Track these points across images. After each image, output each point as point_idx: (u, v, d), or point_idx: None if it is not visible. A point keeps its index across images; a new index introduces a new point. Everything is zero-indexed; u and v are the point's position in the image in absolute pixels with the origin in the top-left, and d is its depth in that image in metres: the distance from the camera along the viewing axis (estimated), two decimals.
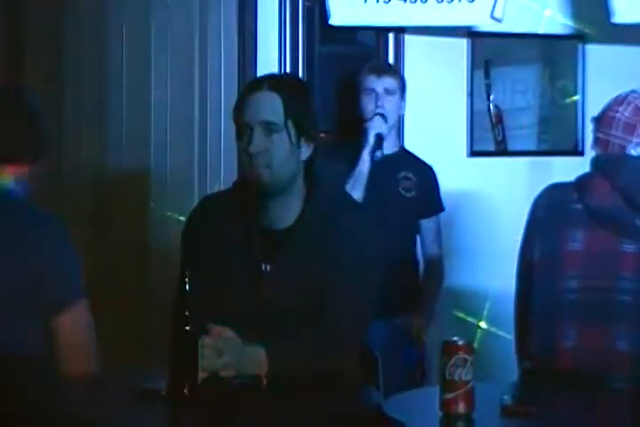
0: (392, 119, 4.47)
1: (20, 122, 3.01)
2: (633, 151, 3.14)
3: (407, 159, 4.59)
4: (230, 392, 2.68)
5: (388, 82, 4.48)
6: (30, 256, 2.86)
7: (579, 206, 3.12)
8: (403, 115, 4.61)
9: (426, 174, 4.55)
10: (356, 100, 4.52)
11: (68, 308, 2.88)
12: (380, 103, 4.43)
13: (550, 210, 3.19)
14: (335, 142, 4.69)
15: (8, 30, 4.48)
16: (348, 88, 4.61)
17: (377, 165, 4.39)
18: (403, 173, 4.49)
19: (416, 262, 4.55)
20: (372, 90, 4.46)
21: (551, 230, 3.15)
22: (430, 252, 4.55)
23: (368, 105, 4.46)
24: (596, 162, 3.20)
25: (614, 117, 3.17)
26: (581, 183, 3.17)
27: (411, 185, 4.48)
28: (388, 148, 4.50)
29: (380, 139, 4.39)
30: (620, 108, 3.17)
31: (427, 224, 4.54)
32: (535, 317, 3.13)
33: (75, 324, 2.89)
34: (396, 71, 4.63)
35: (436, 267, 4.56)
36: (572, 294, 3.06)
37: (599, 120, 3.23)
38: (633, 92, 3.23)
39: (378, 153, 4.38)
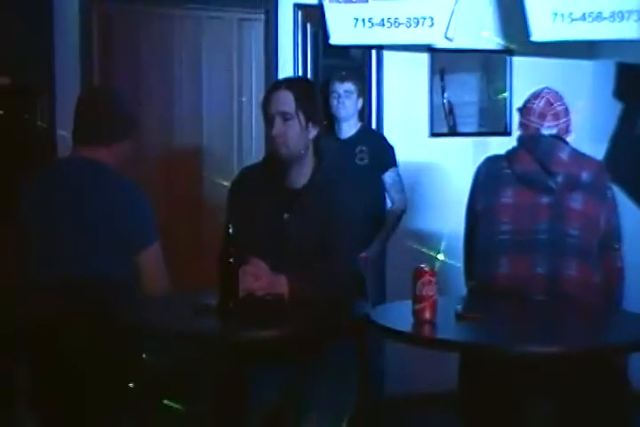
0: (350, 111, 4.43)
1: (114, 115, 2.95)
2: (544, 131, 3.09)
3: (365, 136, 4.50)
4: (262, 306, 2.65)
5: (347, 86, 4.43)
6: (120, 211, 2.84)
7: (508, 171, 3.07)
8: (360, 108, 4.52)
9: (378, 142, 4.48)
10: (326, 101, 4.44)
11: (147, 247, 2.86)
12: (341, 100, 4.40)
13: (488, 175, 3.15)
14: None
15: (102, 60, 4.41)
16: None
17: (343, 145, 4.38)
18: (359, 148, 4.42)
19: (381, 213, 4.45)
20: (336, 92, 4.42)
21: (489, 189, 3.10)
22: (393, 196, 4.46)
23: (333, 102, 4.43)
24: (520, 140, 3.15)
25: (531, 108, 3.13)
26: (510, 155, 3.13)
27: (364, 155, 4.41)
28: (350, 130, 4.46)
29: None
30: (536, 101, 3.13)
31: (386, 178, 4.44)
32: (479, 252, 3.09)
33: (152, 259, 2.87)
34: (354, 77, 4.53)
35: (397, 209, 4.46)
36: (505, 234, 3.02)
37: (521, 110, 3.19)
38: (545, 88, 3.18)
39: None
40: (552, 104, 3.09)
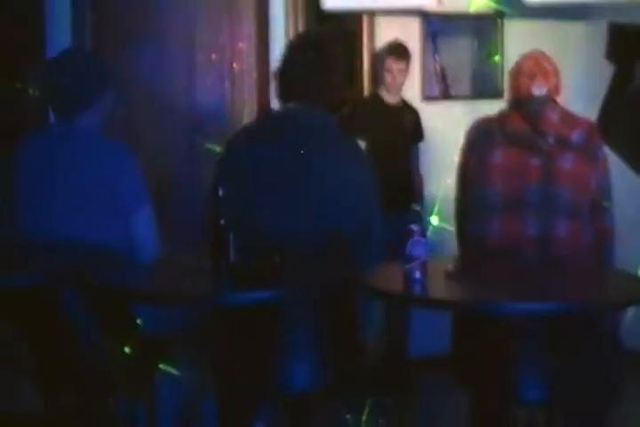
0: (400, 86, 4.60)
1: (83, 75, 2.91)
2: (535, 91, 3.07)
3: (405, 107, 4.67)
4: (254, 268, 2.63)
5: (403, 64, 4.55)
6: (109, 175, 2.82)
7: (499, 132, 3.06)
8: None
9: (415, 115, 4.67)
10: (377, 70, 4.63)
11: (138, 211, 2.85)
12: (394, 77, 4.53)
13: (478, 136, 3.15)
14: None
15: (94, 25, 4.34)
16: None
17: (390, 111, 4.59)
18: (406, 115, 4.62)
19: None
20: (390, 69, 4.53)
21: (480, 150, 3.10)
22: (414, 166, 4.69)
23: (387, 78, 4.55)
24: (511, 101, 3.15)
25: (521, 69, 3.14)
26: (501, 116, 3.12)
27: (408, 123, 4.62)
28: (394, 99, 4.63)
29: None
30: (525, 62, 3.13)
31: (414, 148, 4.70)
32: (470, 212, 3.09)
33: (143, 222, 2.86)
34: (407, 54, 4.61)
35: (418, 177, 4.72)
36: (495, 196, 3.01)
37: (512, 72, 3.19)
38: (533, 50, 3.20)
39: None
40: (541, 64, 3.10)
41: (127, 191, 2.83)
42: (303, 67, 2.87)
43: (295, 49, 2.96)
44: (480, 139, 3.12)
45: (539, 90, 3.07)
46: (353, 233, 2.81)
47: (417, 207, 4.61)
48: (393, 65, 4.53)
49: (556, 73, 3.12)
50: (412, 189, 4.64)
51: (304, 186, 2.80)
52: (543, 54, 3.15)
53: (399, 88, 4.61)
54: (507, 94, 3.29)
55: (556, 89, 3.12)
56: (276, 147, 2.84)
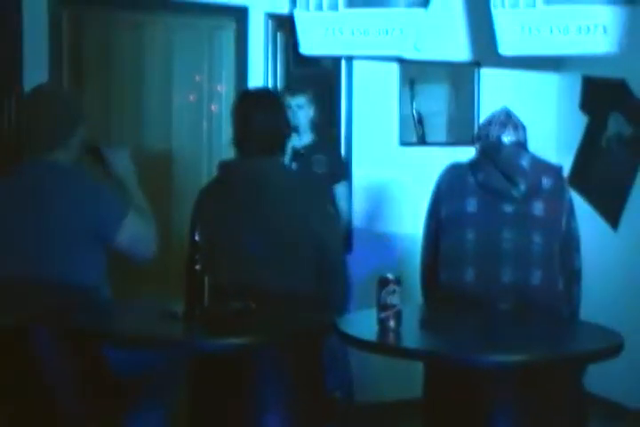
0: (303, 124, 4.45)
1: (62, 114, 2.92)
2: (505, 138, 3.11)
3: (320, 146, 4.54)
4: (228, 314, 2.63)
5: (298, 99, 4.43)
6: (87, 209, 2.83)
7: (472, 180, 3.09)
8: (312, 118, 4.52)
9: (333, 154, 4.55)
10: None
11: (122, 222, 2.84)
12: (293, 114, 4.35)
13: (451, 183, 3.15)
14: None
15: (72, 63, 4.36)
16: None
17: (300, 153, 4.40)
18: (316, 156, 4.45)
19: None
20: (289, 106, 4.34)
21: (453, 198, 3.11)
22: (341, 206, 4.50)
23: (289, 114, 4.26)
24: (481, 149, 3.18)
25: (492, 120, 3.18)
26: (472, 164, 3.15)
27: (321, 164, 4.45)
28: (306, 140, 4.48)
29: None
30: (496, 114, 3.20)
31: (338, 188, 4.49)
32: (444, 261, 3.09)
33: (130, 225, 2.85)
34: (303, 89, 4.52)
35: (344, 217, 4.53)
36: (470, 244, 3.03)
37: (482, 125, 3.23)
38: (503, 107, 3.23)
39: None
40: (511, 117, 3.18)
41: (106, 218, 2.83)
42: (265, 121, 3.00)
43: (253, 106, 3.05)
44: (452, 186, 3.13)
45: (507, 138, 3.13)
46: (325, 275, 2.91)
47: None
48: (290, 100, 4.38)
49: (524, 128, 3.19)
50: None
51: (274, 230, 2.88)
52: (511, 111, 3.22)
53: (305, 126, 4.44)
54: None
55: (524, 142, 3.18)
56: (246, 194, 2.93)
